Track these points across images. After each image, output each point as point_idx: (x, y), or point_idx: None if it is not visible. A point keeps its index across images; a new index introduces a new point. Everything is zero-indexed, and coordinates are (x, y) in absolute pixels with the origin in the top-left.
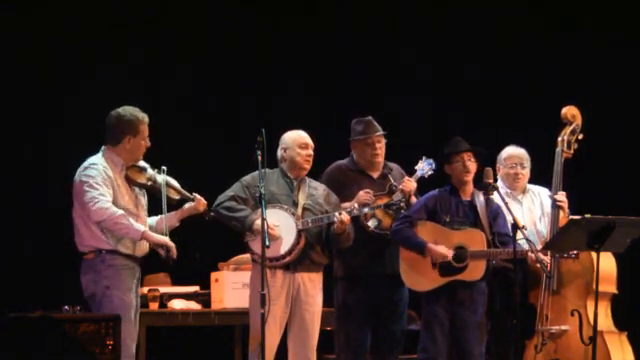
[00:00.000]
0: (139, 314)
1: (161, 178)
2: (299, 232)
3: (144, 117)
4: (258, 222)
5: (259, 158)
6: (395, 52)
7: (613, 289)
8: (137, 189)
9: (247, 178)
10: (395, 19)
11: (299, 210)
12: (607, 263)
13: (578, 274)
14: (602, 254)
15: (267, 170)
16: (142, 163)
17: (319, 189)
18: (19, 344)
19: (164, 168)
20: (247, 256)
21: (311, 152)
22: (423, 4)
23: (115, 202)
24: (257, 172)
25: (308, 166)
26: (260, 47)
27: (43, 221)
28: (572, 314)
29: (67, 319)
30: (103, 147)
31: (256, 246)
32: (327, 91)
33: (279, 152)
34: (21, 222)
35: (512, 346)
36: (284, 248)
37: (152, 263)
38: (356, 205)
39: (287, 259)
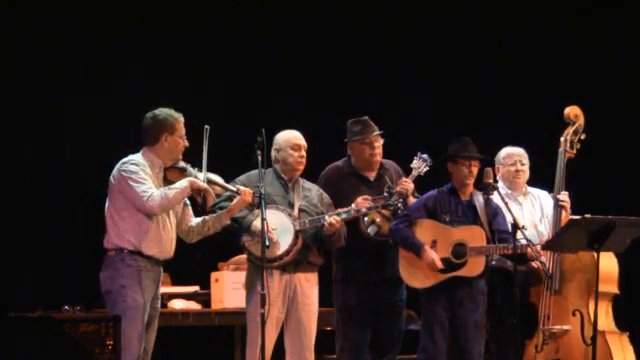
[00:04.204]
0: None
1: (202, 176)
2: (296, 233)
3: (179, 116)
4: (255, 223)
5: (259, 158)
6: (395, 52)
7: (615, 289)
8: None
9: (242, 178)
10: (393, 19)
11: (295, 211)
12: (609, 264)
13: (580, 274)
14: (604, 255)
15: (262, 170)
16: (182, 163)
17: (313, 190)
18: (19, 344)
19: (207, 127)
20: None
21: (304, 153)
22: (422, 4)
23: None
24: (252, 172)
25: (301, 167)
26: (260, 45)
27: (43, 221)
28: (574, 314)
29: (67, 319)
30: (143, 148)
31: (253, 247)
32: (325, 91)
33: (272, 153)
34: (21, 222)
35: (512, 346)
36: (282, 249)
37: None
38: (353, 206)
39: (285, 259)
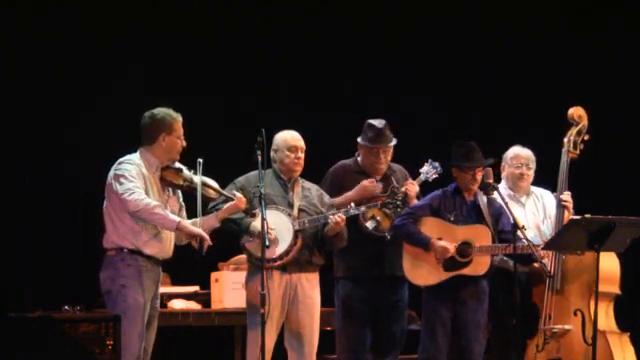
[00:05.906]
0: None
1: (198, 179)
2: (296, 233)
3: (178, 116)
4: (254, 224)
5: (259, 158)
6: (395, 52)
7: (616, 290)
8: (170, 193)
9: (241, 179)
10: (393, 19)
11: (295, 211)
12: (610, 264)
13: (581, 274)
14: (606, 255)
15: (262, 171)
16: (178, 164)
17: (312, 190)
18: (19, 344)
19: (200, 161)
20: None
21: (300, 155)
22: (422, 4)
23: None
24: (251, 173)
25: (299, 169)
26: (260, 45)
27: (43, 221)
28: (575, 314)
29: (67, 319)
30: (140, 148)
31: (253, 247)
32: (325, 91)
33: (271, 153)
34: (21, 222)
35: (513, 346)
36: (281, 249)
37: None
38: (352, 204)
39: (284, 260)
